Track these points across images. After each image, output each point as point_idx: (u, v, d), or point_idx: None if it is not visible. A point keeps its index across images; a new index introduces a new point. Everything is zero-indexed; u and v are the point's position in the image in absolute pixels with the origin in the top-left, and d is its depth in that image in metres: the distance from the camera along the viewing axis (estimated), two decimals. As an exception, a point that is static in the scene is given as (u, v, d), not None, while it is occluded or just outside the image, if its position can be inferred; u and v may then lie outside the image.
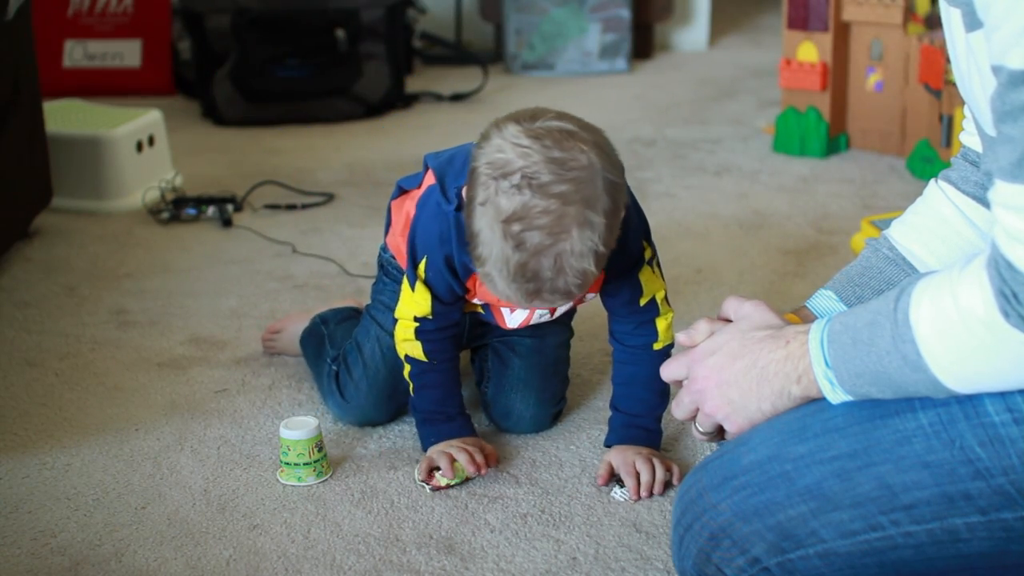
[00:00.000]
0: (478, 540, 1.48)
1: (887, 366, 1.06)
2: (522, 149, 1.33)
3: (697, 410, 1.26)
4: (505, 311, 1.62)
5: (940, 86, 2.82)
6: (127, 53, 3.81)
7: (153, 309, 2.18)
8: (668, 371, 1.30)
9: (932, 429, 1.06)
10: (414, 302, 1.58)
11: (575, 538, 1.48)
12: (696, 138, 3.27)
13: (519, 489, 1.59)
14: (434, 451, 1.61)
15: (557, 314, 1.63)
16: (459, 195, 1.47)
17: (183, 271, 2.37)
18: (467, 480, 1.59)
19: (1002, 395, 1.04)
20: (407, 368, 1.62)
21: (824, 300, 1.39)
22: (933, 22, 2.97)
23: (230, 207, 2.66)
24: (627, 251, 1.53)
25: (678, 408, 1.27)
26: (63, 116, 2.78)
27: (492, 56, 4.18)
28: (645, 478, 1.56)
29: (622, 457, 1.58)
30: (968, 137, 1.36)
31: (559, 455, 1.68)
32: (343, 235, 2.54)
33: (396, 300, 1.65)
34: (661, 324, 1.61)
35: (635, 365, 1.62)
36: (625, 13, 4.07)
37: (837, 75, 3.01)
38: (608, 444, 1.63)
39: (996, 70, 0.97)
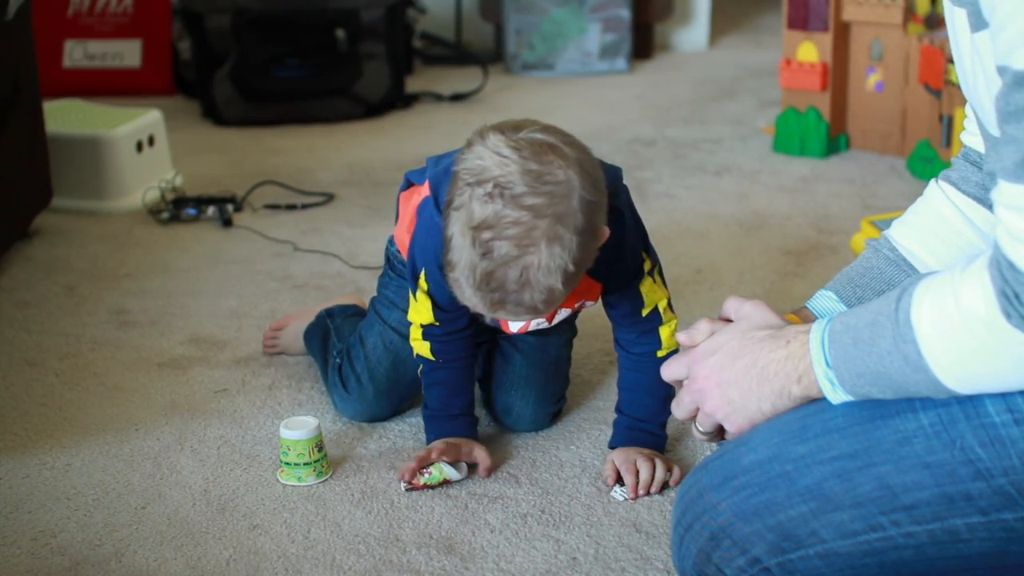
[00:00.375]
0: (478, 540, 1.48)
1: (888, 366, 1.06)
2: (500, 158, 1.33)
3: (697, 410, 1.25)
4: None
5: (940, 86, 2.82)
6: (127, 53, 3.81)
7: (153, 309, 2.18)
8: (668, 371, 1.30)
9: (933, 429, 1.06)
10: (417, 311, 1.60)
11: (575, 538, 1.48)
12: (696, 138, 3.27)
13: (519, 489, 1.59)
14: (431, 445, 1.61)
15: (556, 320, 1.63)
16: None
17: (183, 271, 2.37)
18: (445, 483, 1.59)
19: (1003, 395, 1.04)
20: (420, 367, 1.64)
21: (824, 301, 1.39)
22: (933, 22, 2.97)
23: (230, 207, 2.66)
24: (625, 264, 1.53)
25: (678, 408, 1.27)
26: (63, 116, 2.78)
27: (492, 56, 4.18)
28: (644, 476, 1.56)
29: (624, 456, 1.59)
30: (969, 137, 1.36)
31: (559, 455, 1.68)
32: (343, 235, 2.54)
33: (399, 295, 1.67)
34: (664, 332, 1.61)
35: (639, 372, 1.62)
36: (625, 13, 4.07)
37: (837, 75, 3.01)
38: (612, 446, 1.64)
39: (1001, 70, 0.97)
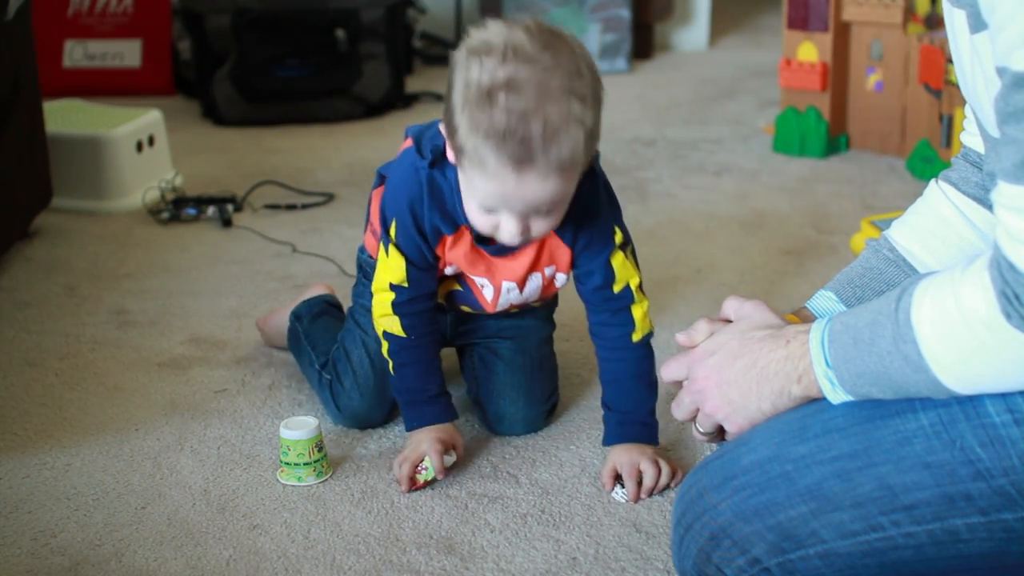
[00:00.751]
0: (478, 540, 1.48)
1: (888, 366, 1.06)
2: (507, 31, 1.35)
3: (697, 410, 1.26)
4: (482, 284, 1.62)
5: (940, 86, 2.82)
6: (127, 53, 3.81)
7: (153, 309, 2.18)
8: (668, 371, 1.30)
9: (933, 430, 1.06)
10: (389, 268, 1.57)
11: (575, 538, 1.48)
12: (696, 138, 3.27)
13: (519, 489, 1.59)
14: (415, 439, 1.61)
15: (527, 291, 1.62)
16: (434, 151, 1.49)
17: (183, 271, 2.37)
18: (435, 480, 1.59)
19: (1003, 396, 1.04)
20: (385, 346, 1.61)
21: (824, 301, 1.39)
22: (933, 22, 2.97)
23: (230, 207, 2.66)
24: (597, 228, 1.54)
25: (678, 409, 1.27)
26: (63, 116, 2.78)
27: (492, 56, 4.18)
28: (647, 483, 1.55)
29: (627, 457, 1.58)
30: (969, 137, 1.36)
31: (559, 455, 1.67)
32: (343, 235, 2.54)
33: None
34: (637, 312, 1.60)
35: (617, 361, 1.62)
36: (625, 13, 4.07)
37: (837, 75, 3.02)
38: (607, 443, 1.63)
39: (1000, 71, 0.97)
